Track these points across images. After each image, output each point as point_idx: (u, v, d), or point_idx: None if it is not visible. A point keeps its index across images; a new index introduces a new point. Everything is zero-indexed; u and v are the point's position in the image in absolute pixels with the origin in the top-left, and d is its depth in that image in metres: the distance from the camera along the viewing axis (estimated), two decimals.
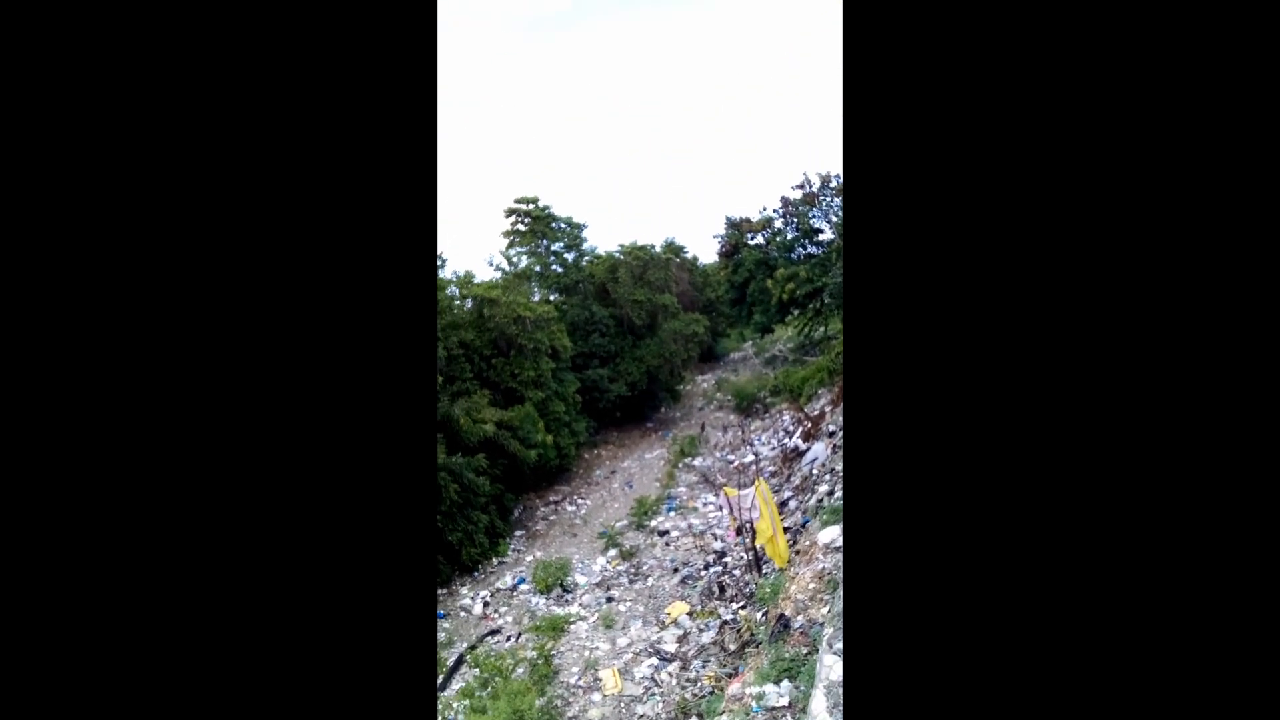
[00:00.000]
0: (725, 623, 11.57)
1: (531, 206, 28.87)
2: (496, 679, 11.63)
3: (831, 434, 17.74)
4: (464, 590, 17.33)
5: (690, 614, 13.53)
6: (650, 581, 15.68)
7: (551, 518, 21.97)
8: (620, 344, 29.23)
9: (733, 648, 10.16)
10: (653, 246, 31.53)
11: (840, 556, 7.55)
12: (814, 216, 29.53)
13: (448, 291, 23.33)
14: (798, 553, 11.31)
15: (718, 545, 16.28)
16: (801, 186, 29.63)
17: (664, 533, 18.37)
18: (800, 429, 20.86)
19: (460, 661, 13.34)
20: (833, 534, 8.70)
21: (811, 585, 7.55)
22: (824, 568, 7.89)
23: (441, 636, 14.96)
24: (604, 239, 53.98)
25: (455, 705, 11.61)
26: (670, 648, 12.40)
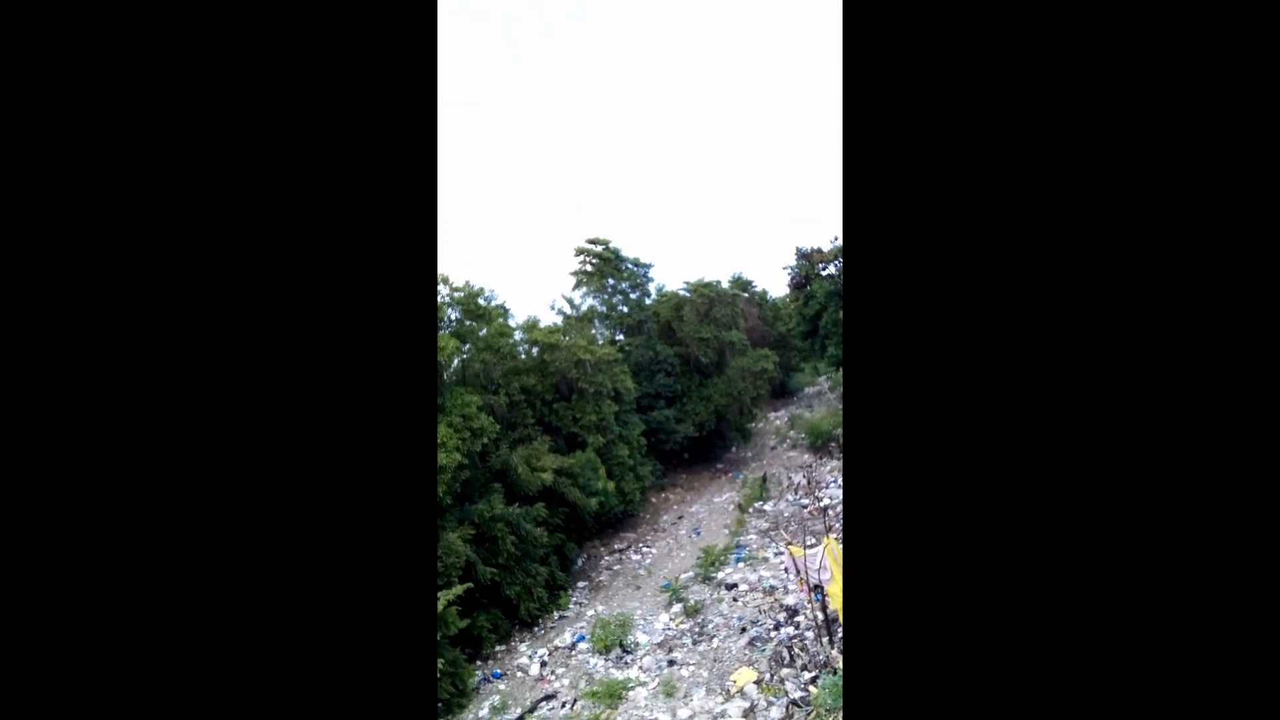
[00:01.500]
0: (793, 702, 10.37)
1: (601, 248, 28.71)
2: None
3: None
4: (522, 647, 16.67)
5: (758, 682, 12.33)
6: (715, 643, 14.55)
7: (615, 567, 21.13)
8: (686, 384, 28.41)
9: None
10: (719, 282, 30.74)
11: None
12: None
13: (513, 338, 23.30)
14: None
15: (789, 600, 15.01)
16: None
17: (731, 586, 17.20)
18: None
19: None
20: None
21: None
22: None
23: (496, 699, 14.30)
24: (670, 275, 53.37)
25: None
26: None
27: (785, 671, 12.12)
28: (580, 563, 21.24)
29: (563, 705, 13.54)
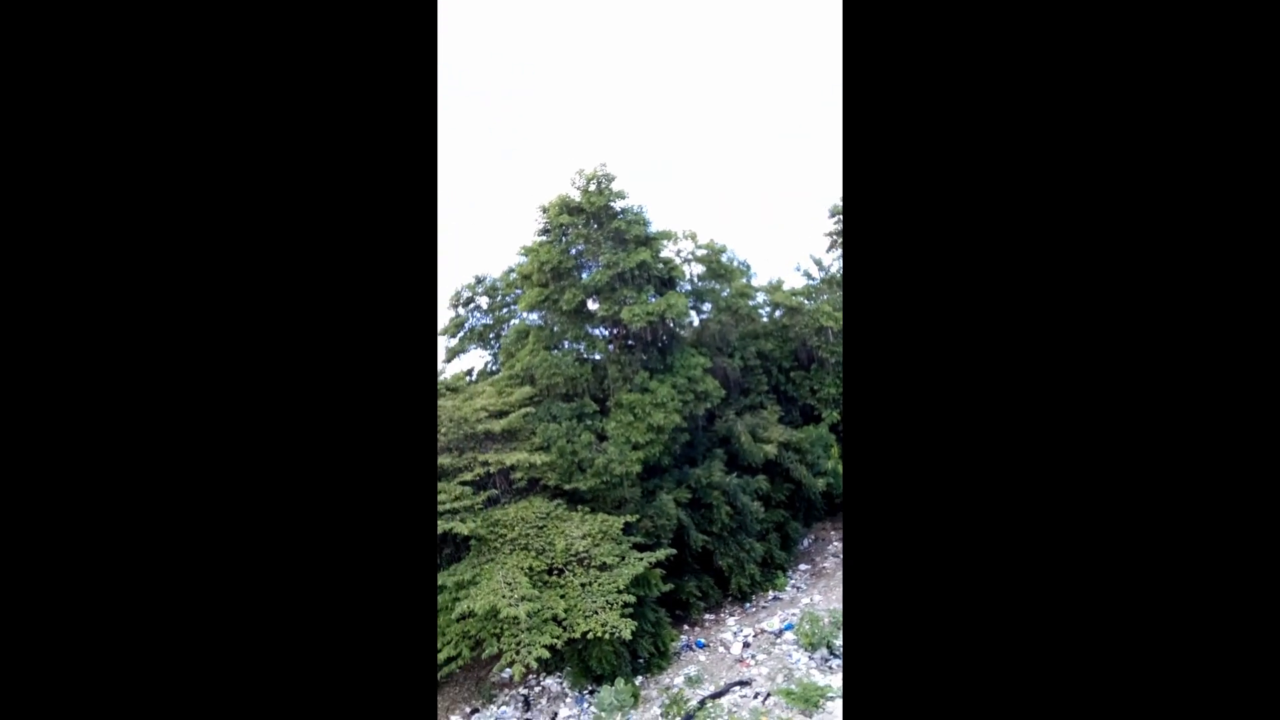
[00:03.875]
0: None
1: None
2: None
3: None
4: (730, 621, 16.15)
5: None
6: None
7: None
8: None
9: None
10: None
11: None
12: None
13: (754, 300, 22.34)
14: None
15: None
16: None
17: None
18: None
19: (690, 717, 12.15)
20: None
21: None
22: None
23: (694, 670, 14.01)
24: None
25: None
26: None
27: None
28: (806, 544, 19.99)
29: (755, 696, 12.75)
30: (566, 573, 12.95)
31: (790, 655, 14.09)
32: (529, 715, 12.97)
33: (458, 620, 12.34)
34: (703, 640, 15.40)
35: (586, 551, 13.14)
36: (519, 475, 14.28)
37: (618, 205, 17.52)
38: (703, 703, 12.54)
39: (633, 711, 12.60)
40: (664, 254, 18.33)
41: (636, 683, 13.50)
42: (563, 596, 12.50)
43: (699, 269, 21.08)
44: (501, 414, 15.21)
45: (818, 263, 25.88)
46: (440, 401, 15.96)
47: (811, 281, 25.04)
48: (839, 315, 21.40)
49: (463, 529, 12.76)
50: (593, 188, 17.49)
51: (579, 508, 14.11)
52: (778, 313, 22.44)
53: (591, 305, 17.32)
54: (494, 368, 19.44)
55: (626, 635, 12.11)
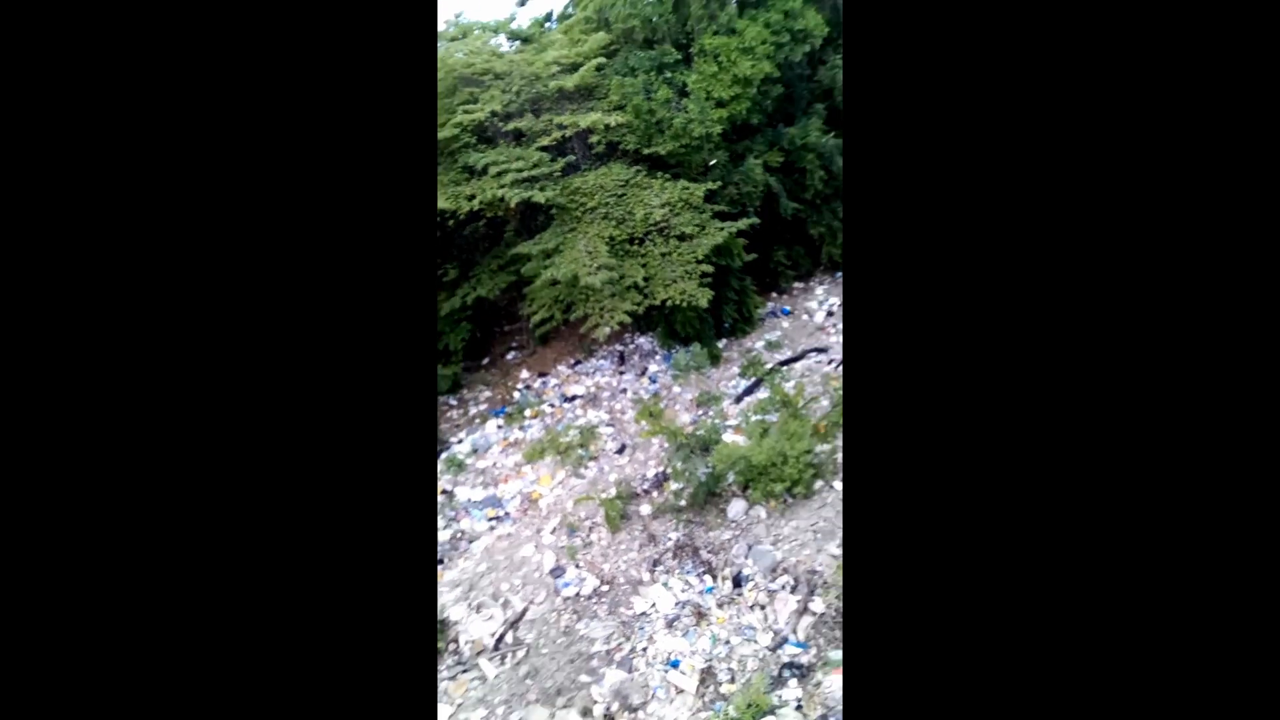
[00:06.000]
0: None
1: None
2: (784, 409, 10.68)
3: None
4: (819, 290, 15.94)
5: None
6: None
7: None
8: None
9: None
10: None
11: None
12: None
13: None
14: None
15: None
16: None
17: None
18: None
19: (759, 382, 12.63)
20: None
21: None
22: None
23: (775, 335, 14.33)
24: None
25: (750, 416, 11.24)
26: None
27: None
28: None
29: (829, 362, 13.00)
30: (647, 242, 12.72)
31: None
32: (623, 368, 14.14)
33: (550, 285, 12.81)
34: (788, 308, 15.46)
35: (666, 221, 12.67)
36: (596, 139, 13.30)
37: None
38: (775, 367, 13.00)
39: (712, 370, 13.35)
40: None
41: (720, 345, 14.06)
42: (644, 265, 12.47)
43: None
44: (574, 67, 13.63)
45: None
46: (512, 55, 14.46)
47: None
48: None
49: (540, 197, 12.43)
50: None
51: (659, 174, 13.24)
52: None
53: None
54: (571, 10, 17.02)
55: (703, 304, 12.22)
